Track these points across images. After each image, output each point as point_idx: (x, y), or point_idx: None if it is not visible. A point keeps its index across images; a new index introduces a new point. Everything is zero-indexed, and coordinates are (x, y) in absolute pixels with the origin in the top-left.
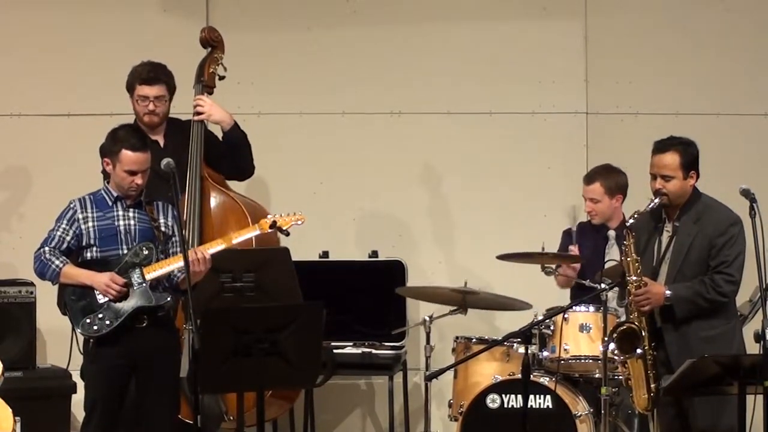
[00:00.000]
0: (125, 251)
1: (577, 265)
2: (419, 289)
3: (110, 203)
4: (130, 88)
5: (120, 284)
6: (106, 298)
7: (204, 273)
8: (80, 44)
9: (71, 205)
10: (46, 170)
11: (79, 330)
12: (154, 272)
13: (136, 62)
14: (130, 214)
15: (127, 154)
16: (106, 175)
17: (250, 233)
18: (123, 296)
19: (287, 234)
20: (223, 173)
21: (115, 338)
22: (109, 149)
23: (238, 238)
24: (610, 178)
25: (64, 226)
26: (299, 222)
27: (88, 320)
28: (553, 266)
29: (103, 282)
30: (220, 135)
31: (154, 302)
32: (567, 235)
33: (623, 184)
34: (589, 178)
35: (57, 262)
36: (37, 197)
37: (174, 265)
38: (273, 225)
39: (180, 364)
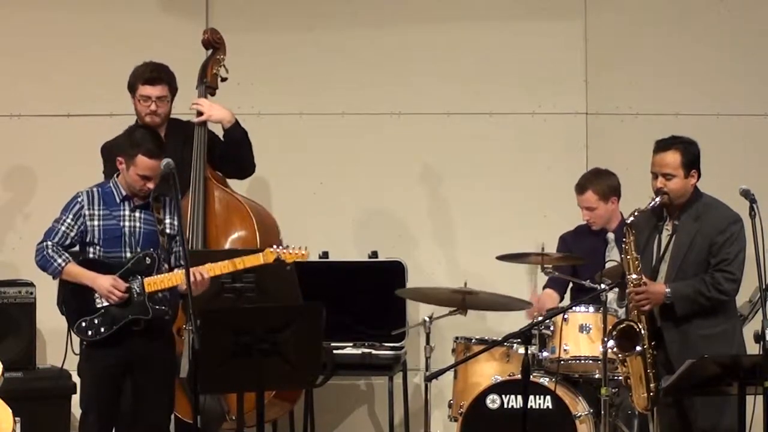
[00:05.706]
0: (128, 254)
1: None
2: (419, 290)
3: (118, 201)
4: (132, 88)
5: (122, 290)
6: (105, 303)
7: (201, 292)
8: (80, 44)
9: (78, 199)
10: (45, 171)
11: (73, 331)
12: (154, 286)
13: (137, 62)
14: (137, 215)
15: (143, 159)
16: (107, 176)
17: (255, 263)
18: (124, 302)
19: (287, 267)
20: (224, 173)
21: (111, 339)
22: (125, 150)
23: (244, 266)
24: (601, 183)
25: (69, 221)
26: (300, 259)
27: (83, 323)
28: (550, 266)
29: (104, 286)
30: (220, 133)
31: (151, 316)
32: (563, 240)
33: (615, 185)
34: (580, 188)
35: (59, 261)
36: (37, 198)
37: (175, 281)
38: (277, 260)
39: (175, 364)
